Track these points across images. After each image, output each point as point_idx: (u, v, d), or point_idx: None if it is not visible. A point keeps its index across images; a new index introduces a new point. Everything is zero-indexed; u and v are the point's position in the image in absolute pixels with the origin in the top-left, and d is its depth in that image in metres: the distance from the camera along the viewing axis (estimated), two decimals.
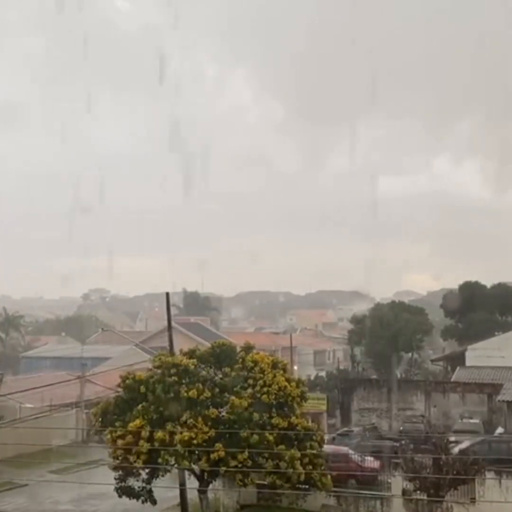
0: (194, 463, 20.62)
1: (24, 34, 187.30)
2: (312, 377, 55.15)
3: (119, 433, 20.33)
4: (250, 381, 21.27)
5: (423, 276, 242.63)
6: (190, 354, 22.58)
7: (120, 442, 20.22)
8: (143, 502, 21.20)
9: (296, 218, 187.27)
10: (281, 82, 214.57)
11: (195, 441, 19.63)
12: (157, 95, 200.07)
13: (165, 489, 21.15)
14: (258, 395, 20.83)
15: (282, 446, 20.18)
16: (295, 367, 54.37)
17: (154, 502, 21.21)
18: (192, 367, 21.40)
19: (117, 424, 20.66)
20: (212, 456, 19.61)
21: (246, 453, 19.60)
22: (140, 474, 20.82)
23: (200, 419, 20.01)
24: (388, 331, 58.82)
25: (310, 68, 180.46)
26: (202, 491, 21.82)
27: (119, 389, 21.94)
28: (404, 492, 24.97)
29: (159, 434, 19.64)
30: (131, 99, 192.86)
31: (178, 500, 23.07)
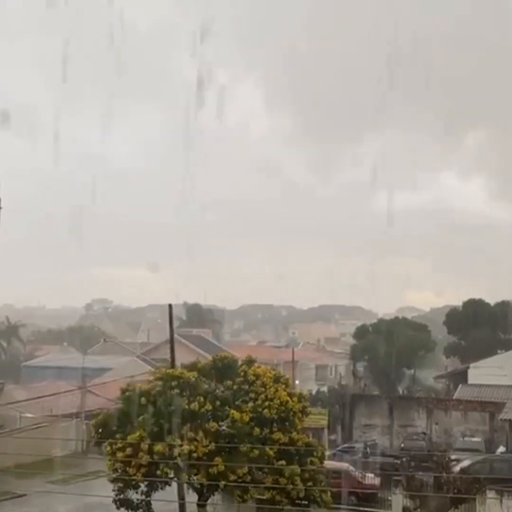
0: (193, 477, 20.54)
1: (36, 37, 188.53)
2: (313, 392, 54.94)
3: (119, 445, 20.27)
4: (252, 395, 21.17)
5: (426, 293, 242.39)
6: (192, 366, 22.53)
7: (119, 454, 20.15)
8: None
9: (299, 231, 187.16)
10: (289, 94, 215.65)
11: (195, 455, 19.56)
12: (166, 103, 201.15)
13: (164, 502, 21.02)
14: (259, 409, 20.74)
15: (282, 461, 20.08)
16: (297, 382, 54.15)
17: None
18: (193, 379, 21.34)
19: (117, 436, 20.60)
20: (211, 470, 19.52)
21: (246, 467, 19.51)
22: (139, 486, 20.73)
23: (200, 432, 19.94)
24: (391, 347, 58.67)
25: (319, 80, 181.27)
26: (201, 505, 21.68)
27: (120, 401, 21.90)
28: (405, 510, 24.79)
29: (158, 447, 19.57)
30: (139, 106, 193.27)
31: None
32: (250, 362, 22.62)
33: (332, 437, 44.72)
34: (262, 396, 21.04)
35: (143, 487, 20.72)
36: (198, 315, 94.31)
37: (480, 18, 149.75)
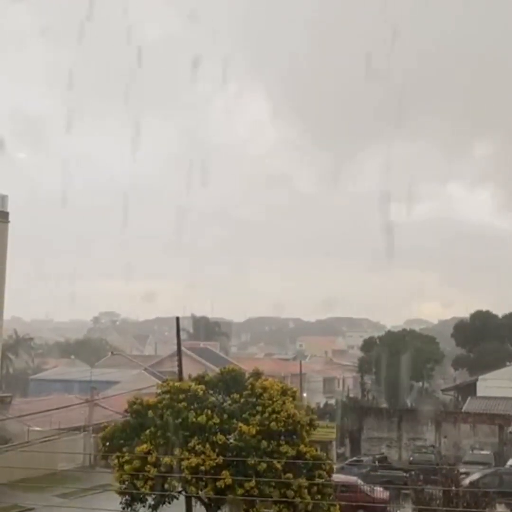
0: (201, 490, 20.47)
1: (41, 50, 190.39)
2: (321, 405, 54.76)
3: (126, 458, 20.24)
4: (259, 408, 21.10)
5: (434, 305, 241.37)
6: (199, 379, 22.52)
7: (127, 467, 20.12)
8: None
9: (307, 243, 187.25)
10: (295, 106, 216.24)
11: (202, 468, 19.51)
12: (171, 116, 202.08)
13: None
14: (267, 422, 20.67)
15: (290, 475, 19.98)
16: (305, 394, 53.99)
17: None
18: (201, 392, 21.33)
19: (124, 449, 20.57)
20: (219, 483, 19.46)
21: (254, 481, 19.43)
22: (146, 499, 20.68)
23: (208, 445, 19.90)
24: (399, 359, 58.46)
25: (325, 91, 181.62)
26: None
27: (127, 414, 21.90)
28: None
29: (166, 459, 19.54)
30: (146, 119, 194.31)
31: None
32: (257, 374, 22.58)
33: (340, 450, 44.54)
34: (269, 408, 20.97)
35: (150, 500, 20.68)
36: (205, 327, 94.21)
37: (489, 27, 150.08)
